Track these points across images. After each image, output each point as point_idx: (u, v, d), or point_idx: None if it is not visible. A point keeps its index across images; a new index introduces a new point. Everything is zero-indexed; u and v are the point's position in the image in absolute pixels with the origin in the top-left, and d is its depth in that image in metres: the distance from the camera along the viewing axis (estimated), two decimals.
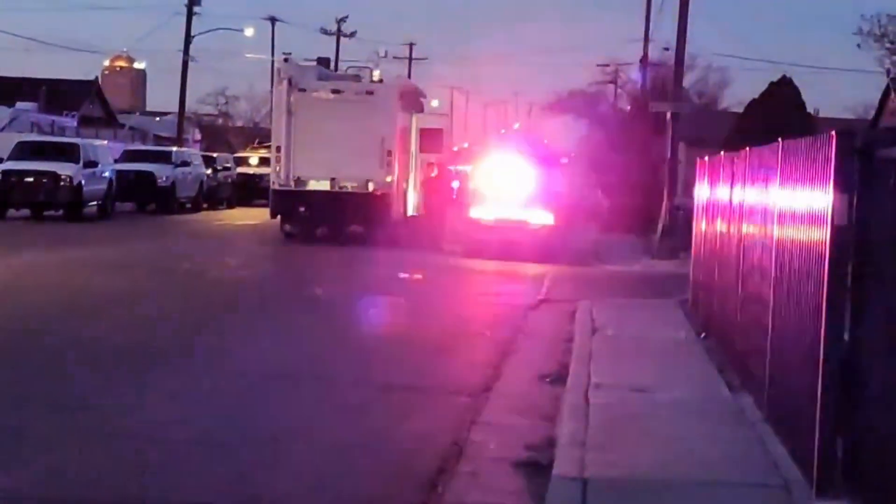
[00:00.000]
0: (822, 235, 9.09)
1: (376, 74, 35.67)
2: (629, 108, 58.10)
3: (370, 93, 33.91)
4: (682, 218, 31.05)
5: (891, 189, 8.05)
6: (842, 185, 8.80)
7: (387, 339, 16.94)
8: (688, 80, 46.89)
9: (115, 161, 43.29)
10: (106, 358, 14.26)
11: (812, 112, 39.26)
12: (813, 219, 9.52)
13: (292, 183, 33.43)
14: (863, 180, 8.73)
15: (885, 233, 8.16)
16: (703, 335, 17.03)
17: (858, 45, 42.39)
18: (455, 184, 37.79)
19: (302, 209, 33.59)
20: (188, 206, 47.27)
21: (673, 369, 14.55)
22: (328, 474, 9.81)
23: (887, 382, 8.02)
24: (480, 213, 32.04)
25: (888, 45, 41.64)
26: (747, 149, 14.28)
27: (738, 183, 14.77)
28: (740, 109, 39.51)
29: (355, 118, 32.77)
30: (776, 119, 29.58)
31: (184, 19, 65.10)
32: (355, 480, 9.70)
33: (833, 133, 9.04)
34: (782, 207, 11.11)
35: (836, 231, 8.82)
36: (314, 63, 36.34)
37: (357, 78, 35.38)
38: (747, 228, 13.64)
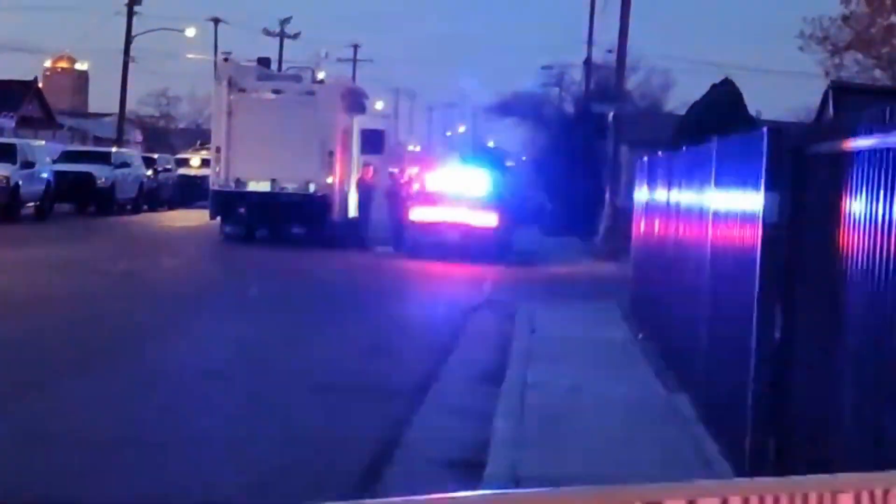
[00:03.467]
0: (753, 234, 9.07)
1: (319, 75, 35.50)
2: (573, 110, 58.18)
3: (311, 93, 33.74)
4: (624, 219, 31.09)
5: (821, 186, 8.03)
6: (773, 182, 8.78)
7: (323, 339, 16.83)
8: (631, 83, 47.04)
9: (54, 162, 42.85)
10: (30, 359, 14.04)
11: (754, 114, 39.40)
12: (745, 217, 9.51)
13: (232, 184, 33.22)
14: (794, 178, 8.72)
15: (816, 230, 8.14)
16: (640, 335, 17.02)
17: (801, 48, 42.63)
18: (398, 185, 37.67)
19: (242, 210, 33.38)
20: (128, 207, 46.86)
21: (610, 369, 14.53)
22: (258, 474, 9.70)
23: (817, 381, 7.99)
24: (423, 214, 31.95)
25: (829, 48, 41.90)
26: (684, 148, 14.28)
27: (675, 183, 14.76)
28: (683, 112, 39.59)
29: (296, 119, 32.60)
30: (718, 121, 29.63)
31: (125, 20, 64.60)
32: (286, 480, 9.58)
33: (764, 130, 9.02)
34: (717, 206, 11.10)
35: (768, 229, 8.79)
36: (255, 63, 36.13)
37: (298, 78, 35.21)
38: (684, 228, 13.64)
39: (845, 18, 41.52)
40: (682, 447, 10.51)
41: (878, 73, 41.84)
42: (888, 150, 6.52)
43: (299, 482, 9.57)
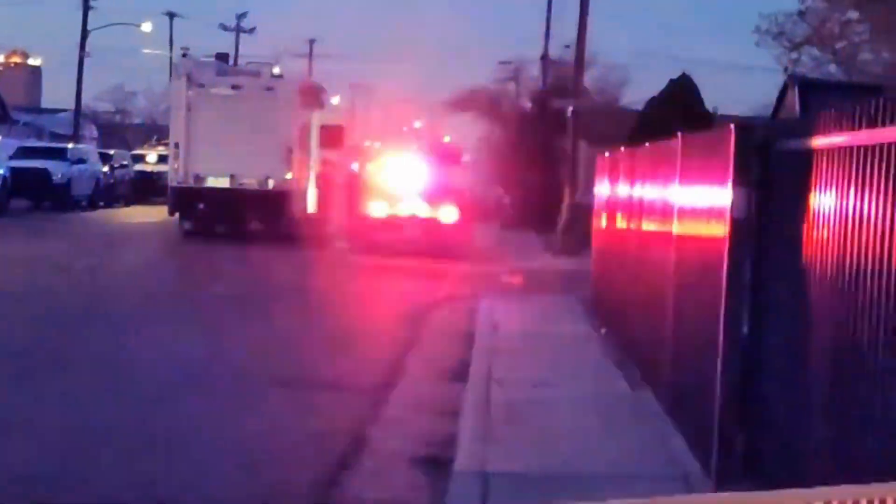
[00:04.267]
0: (721, 229, 9.12)
1: (276, 70, 35.39)
2: (530, 105, 58.24)
3: (270, 89, 33.65)
4: (583, 215, 31.17)
5: (789, 182, 8.08)
6: (741, 178, 8.83)
7: (286, 336, 16.78)
8: (588, 78, 47.09)
9: (10, 158, 42.57)
10: None
11: (711, 110, 39.57)
12: (712, 213, 9.55)
13: (191, 180, 33.10)
14: (761, 174, 8.77)
15: (784, 225, 8.19)
16: (603, 330, 17.07)
17: (757, 44, 42.83)
18: (356, 180, 37.60)
19: (200, 207, 33.26)
20: (84, 204, 46.61)
21: (573, 364, 14.58)
22: (226, 472, 9.67)
23: (785, 375, 8.05)
24: (382, 210, 31.91)
25: (786, 43, 42.12)
26: (647, 144, 14.32)
27: (638, 178, 14.80)
28: (641, 107, 39.70)
29: (255, 114, 32.51)
30: (676, 116, 29.73)
31: (80, 14, 64.20)
32: (254, 478, 9.56)
33: (732, 127, 9.06)
34: (682, 202, 11.14)
35: (736, 224, 8.84)
36: (213, 59, 35.99)
37: (257, 74, 35.08)
38: (648, 223, 13.68)
39: (801, 14, 41.75)
40: (649, 442, 10.56)
41: (833, 68, 42.10)
42: (857, 147, 6.57)
43: (266, 478, 9.55)
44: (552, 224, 36.36)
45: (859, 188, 6.50)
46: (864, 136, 6.41)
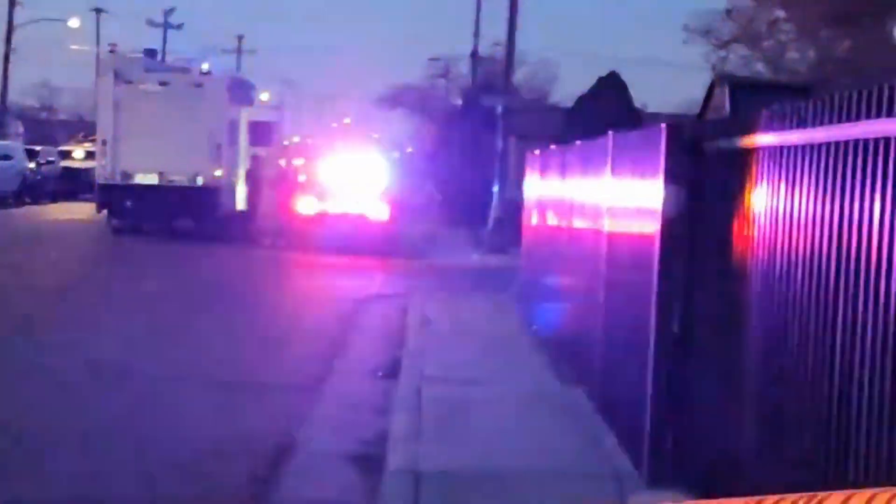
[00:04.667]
0: (652, 227, 9.15)
1: (205, 66, 35.18)
2: (460, 102, 58.31)
3: (199, 85, 33.47)
4: (513, 211, 31.24)
5: (721, 181, 8.13)
6: (672, 177, 8.86)
7: (215, 334, 16.69)
8: (518, 76, 47.23)
9: None
10: None
11: (640, 107, 39.82)
12: (644, 211, 9.59)
13: (119, 177, 32.85)
14: (692, 172, 8.81)
15: (715, 224, 8.23)
16: (534, 327, 17.11)
17: (685, 42, 43.14)
18: (285, 177, 37.47)
19: (129, 203, 33.01)
20: (10, 201, 46.07)
21: (505, 362, 14.59)
22: (154, 473, 9.59)
23: (716, 374, 8.09)
24: (312, 207, 31.82)
25: (713, 41, 42.44)
26: (578, 142, 14.36)
27: (569, 176, 14.85)
28: (570, 104, 39.88)
29: (184, 111, 32.31)
30: (605, 114, 29.90)
31: (6, 9, 63.49)
32: (184, 478, 9.49)
33: (663, 125, 9.10)
34: (613, 200, 11.18)
35: (667, 223, 8.88)
36: (141, 55, 35.73)
37: (185, 70, 34.89)
38: (578, 221, 13.72)
39: (728, 12, 42.09)
40: (580, 439, 10.59)
41: (760, 66, 42.45)
42: (788, 147, 6.62)
43: (196, 479, 9.48)
44: (483, 221, 36.40)
45: (790, 188, 6.55)
46: (796, 137, 6.46)
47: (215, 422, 11.39)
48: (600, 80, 37.26)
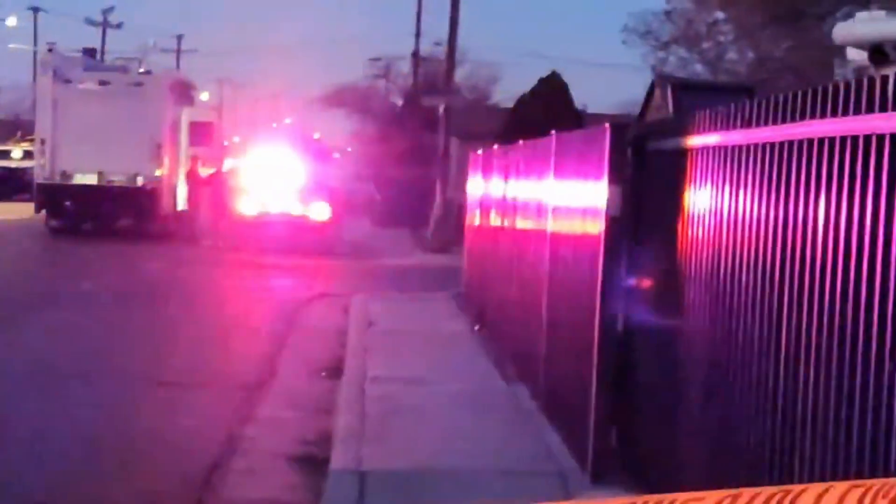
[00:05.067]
0: (596, 227, 9.19)
1: (145, 66, 34.97)
2: (401, 102, 58.29)
3: (139, 84, 33.27)
4: (455, 211, 31.28)
5: (664, 181, 8.17)
6: (616, 176, 8.90)
7: (157, 334, 16.58)
8: (459, 76, 47.24)
9: None
10: None
11: (581, 108, 39.96)
12: (587, 211, 9.62)
13: (58, 177, 32.58)
14: (636, 172, 8.86)
15: (658, 224, 8.28)
16: (477, 327, 17.13)
17: (624, 42, 43.34)
18: (225, 178, 37.27)
19: (68, 204, 32.75)
20: None
21: (448, 361, 14.59)
22: (96, 473, 9.52)
23: (659, 373, 8.14)
24: (253, 207, 31.70)
25: (653, 42, 42.64)
26: (521, 142, 14.39)
27: (512, 176, 14.88)
28: (511, 104, 39.96)
29: (123, 110, 32.08)
30: (546, 114, 29.99)
31: None
32: (124, 479, 9.42)
33: (607, 126, 9.14)
34: (557, 200, 11.21)
35: (611, 223, 8.92)
36: (80, 54, 35.44)
37: (125, 69, 34.65)
38: (521, 221, 13.75)
39: (668, 13, 42.31)
40: (525, 438, 10.62)
41: (699, 67, 42.70)
42: (731, 147, 6.67)
43: (137, 479, 9.42)
44: (424, 221, 36.42)
45: (733, 187, 6.59)
46: (738, 137, 6.50)
47: (154, 422, 11.31)
48: (541, 80, 37.35)
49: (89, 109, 32.04)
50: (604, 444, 8.99)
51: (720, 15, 40.47)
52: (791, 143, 5.69)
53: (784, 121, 5.80)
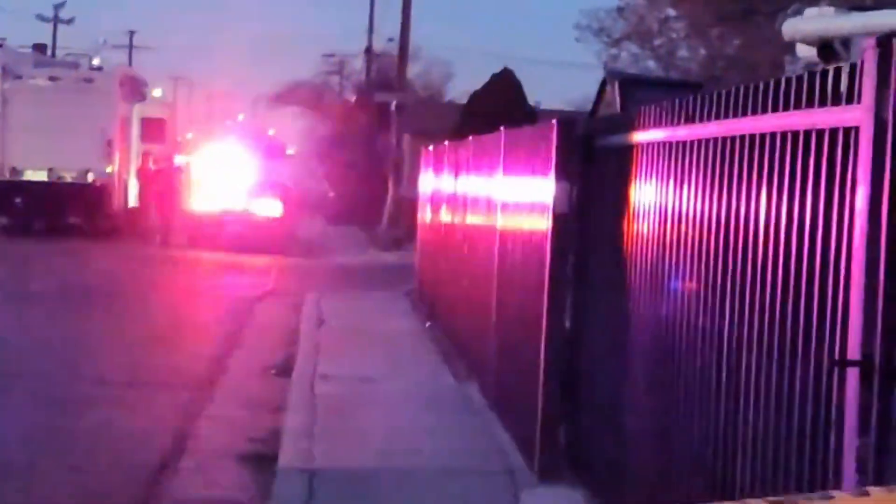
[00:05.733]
0: (544, 224, 9.17)
1: (95, 61, 34.73)
2: (354, 99, 58.19)
3: (89, 80, 33.05)
4: (407, 209, 31.25)
5: (611, 177, 8.16)
6: (563, 173, 8.89)
7: (105, 333, 16.45)
8: (412, 72, 47.20)
9: None
10: None
11: (533, 104, 39.97)
12: (535, 207, 9.61)
13: (7, 173, 32.33)
14: (583, 168, 8.84)
15: (605, 220, 8.27)
16: (428, 324, 17.11)
17: (577, 39, 43.32)
18: (177, 175, 37.08)
19: (17, 201, 32.46)
20: None
21: (399, 359, 14.57)
22: (42, 473, 9.42)
23: (607, 371, 8.13)
24: (203, 204, 31.57)
25: (605, 39, 42.68)
26: (470, 138, 14.37)
27: (462, 172, 14.86)
28: (464, 101, 39.95)
29: (74, 106, 31.84)
30: (499, 111, 29.97)
31: None
32: (73, 478, 9.33)
33: (554, 122, 9.13)
34: (506, 196, 11.19)
35: (558, 219, 8.91)
36: (30, 50, 35.19)
37: (75, 65, 34.40)
38: (471, 218, 13.74)
39: (620, 10, 42.36)
40: (475, 436, 10.60)
41: (652, 64, 42.78)
42: (676, 142, 6.66)
43: (84, 478, 9.33)
44: (377, 218, 36.38)
45: (678, 182, 6.59)
46: (683, 132, 6.50)
47: (103, 420, 11.21)
48: (494, 77, 37.35)
49: (39, 105, 31.80)
50: (552, 442, 8.98)
51: (671, 12, 40.60)
52: (735, 138, 5.69)
53: (728, 116, 5.80)
